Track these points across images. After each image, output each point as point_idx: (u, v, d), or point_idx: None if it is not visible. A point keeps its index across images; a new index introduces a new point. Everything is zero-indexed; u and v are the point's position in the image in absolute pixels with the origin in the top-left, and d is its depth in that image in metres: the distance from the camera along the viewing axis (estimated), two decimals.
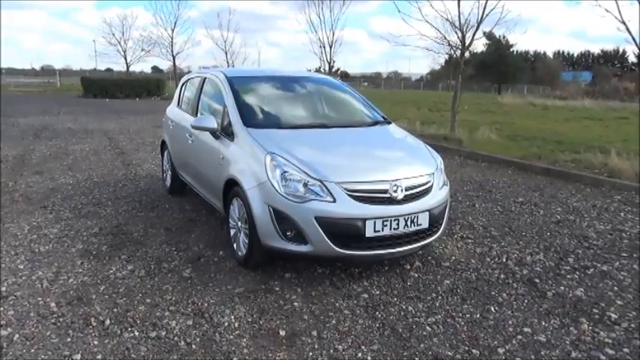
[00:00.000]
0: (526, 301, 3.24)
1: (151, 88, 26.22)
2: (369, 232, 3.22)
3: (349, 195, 3.23)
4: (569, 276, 3.64)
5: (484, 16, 9.92)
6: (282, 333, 2.79)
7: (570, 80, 47.46)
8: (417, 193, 3.47)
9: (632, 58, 54.04)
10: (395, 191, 3.32)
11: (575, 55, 67.68)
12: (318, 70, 18.34)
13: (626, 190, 6.23)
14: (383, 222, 3.25)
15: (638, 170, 6.56)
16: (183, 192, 5.57)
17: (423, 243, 3.53)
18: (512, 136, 10.72)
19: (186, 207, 5.20)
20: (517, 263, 3.86)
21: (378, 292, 3.31)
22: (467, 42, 10.37)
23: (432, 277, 3.57)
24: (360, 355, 2.60)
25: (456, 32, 10.33)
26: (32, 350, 2.57)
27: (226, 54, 27.40)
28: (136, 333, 2.75)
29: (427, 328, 2.88)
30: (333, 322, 2.92)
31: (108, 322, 2.84)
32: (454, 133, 10.19)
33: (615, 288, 3.45)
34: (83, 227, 4.48)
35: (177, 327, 2.82)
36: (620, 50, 59.32)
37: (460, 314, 3.04)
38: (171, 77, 32.71)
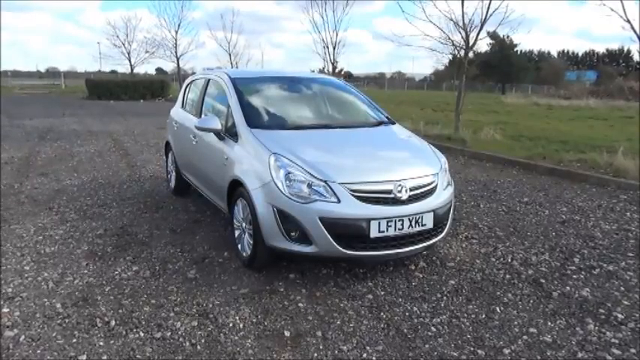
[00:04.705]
0: (532, 301, 3.22)
1: (155, 89, 26.28)
2: (374, 233, 3.21)
3: (353, 195, 3.22)
4: (574, 276, 3.62)
5: (488, 15, 9.92)
6: (286, 334, 2.79)
7: (575, 80, 47.26)
8: (422, 193, 3.46)
9: (637, 57, 53.83)
10: (399, 191, 3.31)
11: (580, 54, 67.40)
12: (322, 71, 18.34)
13: (632, 189, 6.20)
14: (387, 222, 3.24)
15: None
16: (187, 193, 5.58)
17: (427, 243, 3.53)
18: (516, 136, 10.68)
19: (190, 208, 5.21)
20: (522, 263, 3.84)
21: (382, 293, 3.30)
22: (471, 42, 10.35)
23: (437, 278, 3.56)
24: (364, 355, 2.60)
25: (460, 32, 10.32)
26: (38, 351, 2.58)
27: (230, 55, 27.45)
28: (141, 334, 2.76)
29: (432, 328, 2.87)
30: (338, 322, 2.92)
31: (113, 322, 2.85)
32: (458, 133, 10.16)
33: (621, 288, 3.43)
34: (88, 228, 4.50)
35: (182, 328, 2.82)
36: (625, 49, 59.16)
37: (465, 315, 3.03)
38: (175, 79, 32.75)
